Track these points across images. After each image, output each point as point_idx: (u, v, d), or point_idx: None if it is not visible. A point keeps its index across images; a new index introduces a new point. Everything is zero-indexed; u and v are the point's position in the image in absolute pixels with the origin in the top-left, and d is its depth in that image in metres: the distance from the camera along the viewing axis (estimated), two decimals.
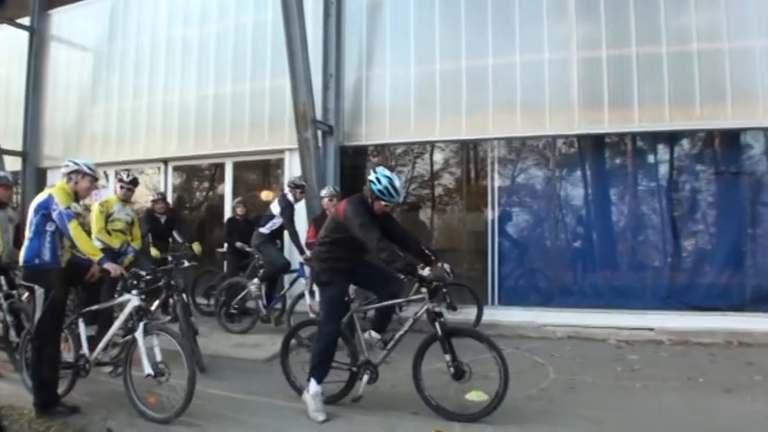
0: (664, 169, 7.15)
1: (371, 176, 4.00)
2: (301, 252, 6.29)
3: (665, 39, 6.79)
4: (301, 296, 6.29)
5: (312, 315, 5.60)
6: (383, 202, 3.98)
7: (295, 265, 6.66)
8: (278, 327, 6.55)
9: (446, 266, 4.09)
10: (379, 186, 3.94)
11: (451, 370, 3.89)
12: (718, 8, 6.70)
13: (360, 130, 7.53)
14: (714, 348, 5.96)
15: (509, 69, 7.17)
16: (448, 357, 3.90)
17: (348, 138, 7.55)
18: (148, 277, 4.23)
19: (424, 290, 4.01)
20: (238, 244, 7.26)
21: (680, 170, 7.11)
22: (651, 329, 6.51)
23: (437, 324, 3.89)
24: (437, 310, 3.93)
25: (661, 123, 6.81)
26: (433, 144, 7.80)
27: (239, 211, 7.53)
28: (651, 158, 7.23)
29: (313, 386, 3.90)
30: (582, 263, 7.31)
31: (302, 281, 6.46)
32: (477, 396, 4.01)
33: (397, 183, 4.00)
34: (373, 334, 4.14)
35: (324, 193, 6.41)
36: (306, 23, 7.13)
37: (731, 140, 6.97)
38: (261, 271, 6.67)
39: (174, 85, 8.85)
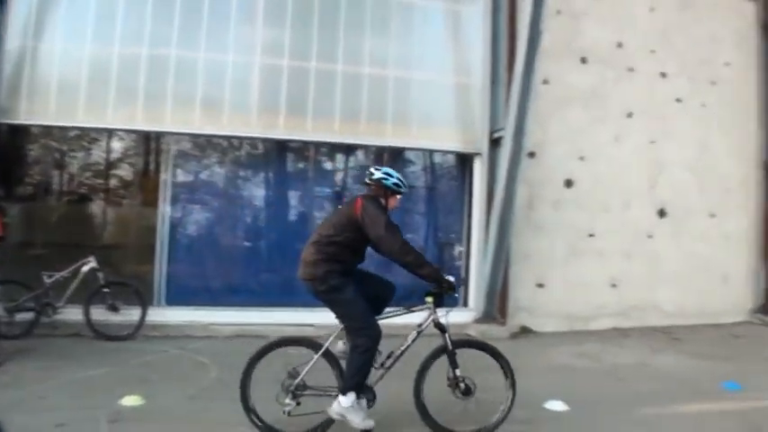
0: (337, 177, 7.77)
1: (377, 174, 3.85)
2: None
3: (340, 58, 7.44)
4: None
5: None
6: (398, 197, 3.90)
7: None
8: None
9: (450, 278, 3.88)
10: (393, 180, 3.84)
11: (462, 386, 3.79)
12: (388, 39, 7.60)
13: (18, 107, 7.03)
14: None
15: (192, 64, 7.23)
16: (458, 372, 3.80)
17: (4, 114, 7.02)
18: None
19: (429, 299, 3.86)
20: None
21: (347, 178, 7.81)
22: (312, 325, 6.89)
23: (447, 336, 3.79)
24: (443, 321, 3.82)
25: (331, 135, 7.41)
26: (111, 132, 7.57)
27: None
28: (326, 166, 7.86)
29: (351, 396, 3.60)
30: (251, 262, 7.59)
31: None
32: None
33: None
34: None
35: None
36: None
37: (397, 156, 7.90)
38: None
39: None
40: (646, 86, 8.66)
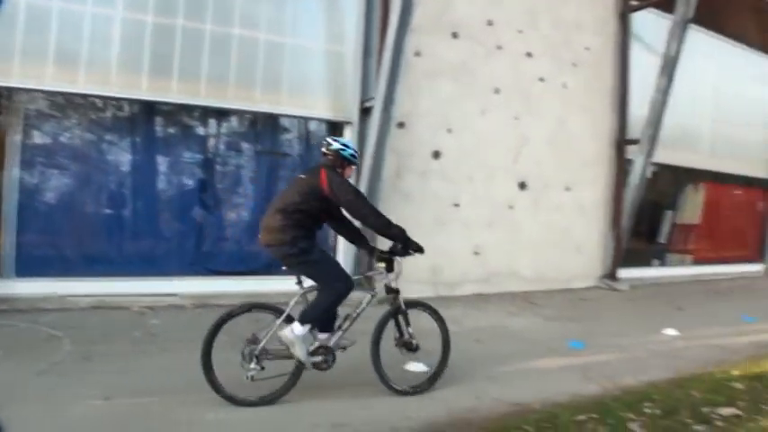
0: (204, 142, 7.61)
1: (335, 145, 4.15)
2: None
3: (209, 18, 7.20)
4: None
5: None
6: (353, 167, 4.22)
7: None
8: None
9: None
10: (350, 151, 4.17)
11: (413, 343, 4.31)
12: (260, 0, 7.38)
13: None
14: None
15: (45, 13, 6.73)
16: (411, 330, 4.29)
17: None
18: None
19: (381, 264, 4.22)
20: None
21: (219, 145, 7.69)
22: (175, 295, 6.80)
23: (400, 298, 4.22)
24: (394, 285, 4.21)
25: (198, 98, 7.19)
26: None
27: None
28: (198, 132, 7.60)
29: (306, 328, 3.87)
30: (113, 231, 7.22)
31: None
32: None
33: None
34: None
35: None
36: None
37: (271, 123, 7.84)
38: None
39: None
40: (512, 64, 9.12)
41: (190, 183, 7.52)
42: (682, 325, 7.20)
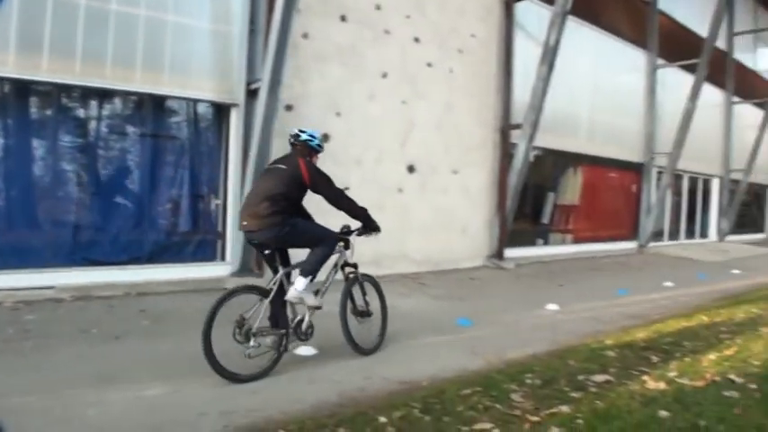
0: (84, 125, 7.12)
1: (303, 136, 4.70)
2: None
3: None
4: None
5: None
6: (319, 156, 4.85)
7: None
8: None
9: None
10: (318, 141, 4.78)
11: (370, 309, 5.07)
12: None
13: None
14: (114, 300, 6.41)
15: None
16: (367, 298, 5.04)
17: None
18: None
19: (341, 244, 4.88)
20: None
21: (101, 128, 7.23)
22: (52, 287, 6.44)
23: (358, 272, 5.04)
24: (351, 261, 5.04)
25: (72, 76, 6.80)
26: None
27: None
28: (75, 113, 7.13)
29: (307, 280, 4.46)
30: None
31: None
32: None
33: None
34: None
35: None
36: None
37: (157, 105, 7.53)
38: None
39: None
40: (400, 49, 9.32)
41: (69, 168, 7.08)
42: (562, 300, 7.69)
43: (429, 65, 9.70)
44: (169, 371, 4.26)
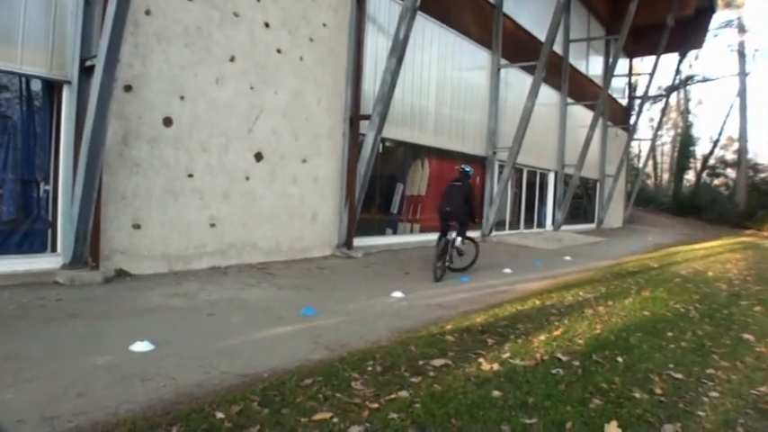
0: None
1: (467, 169, 10.07)
2: None
3: None
4: None
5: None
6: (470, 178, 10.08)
7: None
8: None
9: None
10: (470, 170, 10.18)
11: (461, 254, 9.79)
12: None
13: None
14: None
15: None
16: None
17: None
18: None
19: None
20: None
21: None
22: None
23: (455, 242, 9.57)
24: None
25: None
26: None
27: None
28: None
29: (461, 238, 9.72)
30: None
31: None
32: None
33: None
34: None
35: None
36: None
37: None
38: None
39: None
40: (249, 33, 9.35)
41: None
42: (408, 288, 8.18)
43: (279, 51, 9.85)
44: None
